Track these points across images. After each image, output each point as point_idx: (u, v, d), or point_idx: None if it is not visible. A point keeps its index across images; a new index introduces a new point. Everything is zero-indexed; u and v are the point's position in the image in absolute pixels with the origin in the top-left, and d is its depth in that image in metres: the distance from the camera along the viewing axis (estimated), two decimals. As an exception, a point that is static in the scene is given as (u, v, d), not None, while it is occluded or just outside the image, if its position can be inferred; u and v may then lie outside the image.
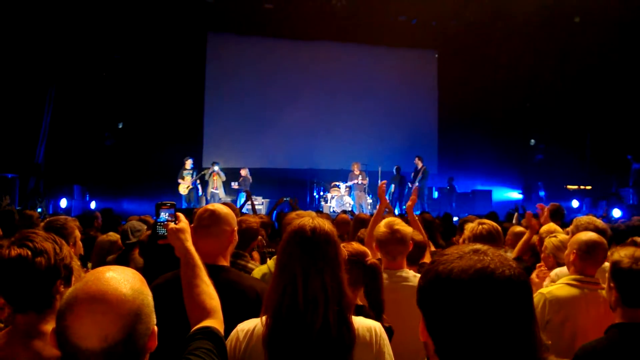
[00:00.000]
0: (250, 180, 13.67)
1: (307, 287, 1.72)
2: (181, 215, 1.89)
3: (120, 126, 14.46)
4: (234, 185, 13.63)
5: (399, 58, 16.63)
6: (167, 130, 14.03)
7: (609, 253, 3.03)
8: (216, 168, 13.56)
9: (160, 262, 2.83)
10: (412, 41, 16.03)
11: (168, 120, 14.21)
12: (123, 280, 1.25)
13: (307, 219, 1.88)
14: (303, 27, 14.96)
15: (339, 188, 14.15)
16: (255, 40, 15.74)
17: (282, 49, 16.01)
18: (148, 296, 1.29)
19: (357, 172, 13.88)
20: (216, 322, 1.66)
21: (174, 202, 1.95)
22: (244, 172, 13.70)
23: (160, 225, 1.89)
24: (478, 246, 1.11)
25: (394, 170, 14.34)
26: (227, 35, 15.75)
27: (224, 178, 13.71)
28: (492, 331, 1.02)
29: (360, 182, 13.83)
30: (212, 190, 13.65)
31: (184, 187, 13.31)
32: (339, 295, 1.75)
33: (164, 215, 1.90)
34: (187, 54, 14.79)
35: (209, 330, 1.59)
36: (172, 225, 1.85)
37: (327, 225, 1.85)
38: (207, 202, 13.53)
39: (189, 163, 13.46)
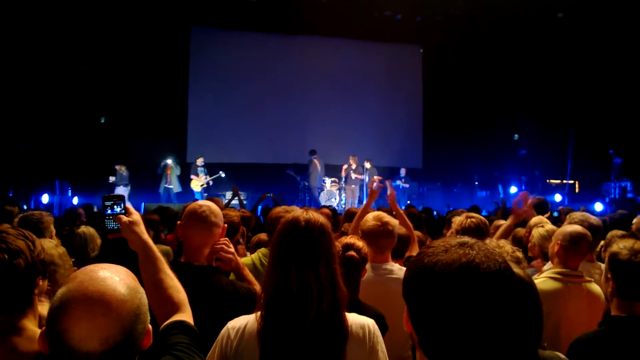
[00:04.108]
0: (124, 174, 13.42)
1: (301, 277, 1.71)
2: (131, 208, 1.83)
3: (103, 121, 14.29)
4: (112, 179, 13.30)
5: (384, 53, 16.65)
6: (150, 125, 13.90)
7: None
8: (169, 161, 13.50)
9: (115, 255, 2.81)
10: (397, 36, 16.06)
11: (151, 115, 14.08)
12: (119, 279, 1.22)
13: (300, 211, 1.88)
14: (288, 22, 14.89)
15: (325, 183, 14.16)
16: (239, 35, 15.64)
17: (266, 43, 15.92)
18: (143, 295, 1.27)
19: (354, 166, 13.83)
20: (186, 316, 1.62)
21: (122, 195, 1.88)
22: (119, 167, 13.37)
23: (109, 218, 1.81)
24: (465, 239, 1.10)
25: (366, 164, 14.14)
26: (211, 29, 15.63)
27: (178, 172, 13.68)
28: (475, 325, 1.01)
29: (354, 178, 13.81)
30: (166, 185, 13.58)
31: (197, 184, 13.33)
32: (332, 287, 1.74)
33: (112, 208, 1.82)
34: (170, 48, 14.64)
35: (183, 325, 1.56)
36: (125, 218, 1.78)
37: (321, 217, 1.85)
38: (162, 197, 13.53)
39: (200, 160, 13.56)
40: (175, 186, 13.66)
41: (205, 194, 13.33)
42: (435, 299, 1.03)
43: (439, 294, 1.02)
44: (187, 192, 13.82)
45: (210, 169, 13.86)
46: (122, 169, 13.39)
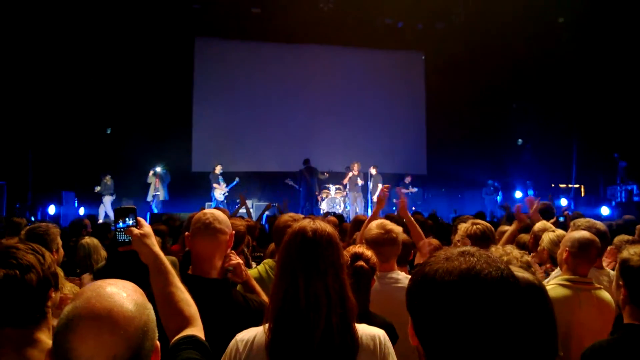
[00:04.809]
0: (109, 184, 13.45)
1: (309, 289, 1.68)
2: (143, 220, 1.81)
3: (109, 132, 14.34)
4: (97, 189, 13.39)
5: (386, 60, 16.66)
6: (156, 135, 13.92)
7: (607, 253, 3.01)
8: (158, 169, 13.41)
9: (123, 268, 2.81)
10: (399, 43, 16.11)
11: (156, 125, 14.12)
12: (126, 295, 1.18)
13: (307, 220, 1.84)
14: (291, 31, 14.94)
15: (329, 190, 14.16)
16: (243, 45, 15.71)
17: (270, 52, 15.98)
18: (151, 310, 1.24)
19: (356, 173, 13.83)
20: (197, 330, 1.61)
21: (134, 207, 1.86)
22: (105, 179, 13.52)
23: (121, 231, 1.79)
24: (467, 248, 1.09)
25: (372, 171, 14.09)
26: (215, 39, 15.70)
27: (167, 180, 13.59)
28: (479, 334, 0.99)
29: (359, 184, 13.81)
30: (153, 193, 13.46)
31: (220, 193, 13.42)
32: (341, 299, 1.71)
33: (124, 221, 1.80)
34: (174, 58, 14.71)
35: (194, 339, 1.54)
36: (136, 231, 1.76)
37: (328, 227, 1.82)
38: (150, 206, 13.47)
39: (219, 168, 13.59)
40: (161, 194, 13.52)
41: (225, 202, 13.41)
42: (437, 308, 1.02)
43: (440, 302, 1.01)
44: (173, 201, 13.79)
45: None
46: (107, 179, 13.44)
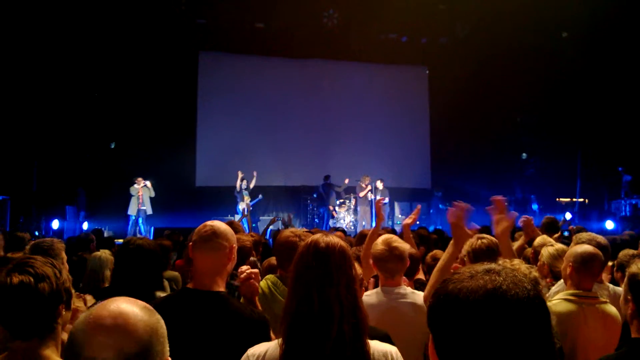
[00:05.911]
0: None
1: (322, 298, 1.71)
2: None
3: (113, 146, 14.38)
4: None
5: (390, 75, 16.73)
6: (160, 150, 13.97)
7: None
8: (148, 183, 13.02)
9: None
10: (403, 58, 16.20)
11: (160, 140, 14.16)
12: (135, 303, 1.22)
13: (319, 234, 1.89)
14: (294, 46, 15.06)
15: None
16: (246, 59, 15.82)
17: (273, 67, 16.06)
18: (161, 320, 1.25)
19: (367, 186, 13.82)
20: None
21: None
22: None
23: None
24: (492, 265, 1.06)
25: (379, 185, 14.11)
26: (219, 54, 15.82)
27: (152, 194, 13.17)
28: (503, 356, 0.96)
29: (369, 198, 13.83)
30: (139, 207, 13.05)
31: (244, 205, 13.45)
32: (353, 309, 1.74)
33: None
34: (178, 73, 14.80)
35: None
36: None
37: (341, 240, 1.87)
38: (132, 220, 13.25)
39: (243, 182, 13.65)
40: (147, 207, 13.13)
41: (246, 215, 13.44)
42: (461, 328, 0.98)
43: (464, 322, 0.98)
44: (177, 216, 13.69)
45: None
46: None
